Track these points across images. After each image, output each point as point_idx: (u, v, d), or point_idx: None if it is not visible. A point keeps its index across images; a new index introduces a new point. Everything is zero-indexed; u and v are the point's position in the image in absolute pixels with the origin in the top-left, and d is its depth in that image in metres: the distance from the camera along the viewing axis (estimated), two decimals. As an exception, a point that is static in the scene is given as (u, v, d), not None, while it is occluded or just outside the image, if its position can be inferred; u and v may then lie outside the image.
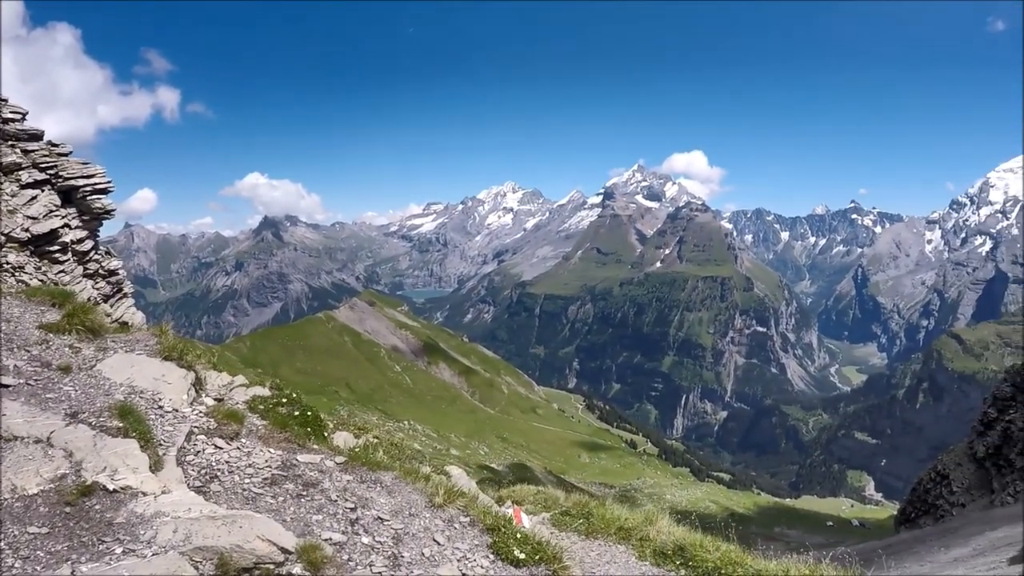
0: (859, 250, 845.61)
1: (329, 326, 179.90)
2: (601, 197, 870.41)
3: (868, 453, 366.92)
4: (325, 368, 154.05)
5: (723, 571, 8.52)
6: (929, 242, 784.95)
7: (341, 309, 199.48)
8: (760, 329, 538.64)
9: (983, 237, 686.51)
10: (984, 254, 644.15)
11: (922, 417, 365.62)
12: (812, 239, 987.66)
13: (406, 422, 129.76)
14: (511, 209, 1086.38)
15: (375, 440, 13.30)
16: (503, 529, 8.09)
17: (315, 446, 9.55)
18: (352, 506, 7.87)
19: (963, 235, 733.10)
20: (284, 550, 6.24)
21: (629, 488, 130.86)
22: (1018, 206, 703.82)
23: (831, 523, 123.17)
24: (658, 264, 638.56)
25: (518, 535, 8.03)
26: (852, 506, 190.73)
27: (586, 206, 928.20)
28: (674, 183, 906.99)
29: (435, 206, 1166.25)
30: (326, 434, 10.95)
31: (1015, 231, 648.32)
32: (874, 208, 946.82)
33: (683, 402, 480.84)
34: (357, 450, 10.19)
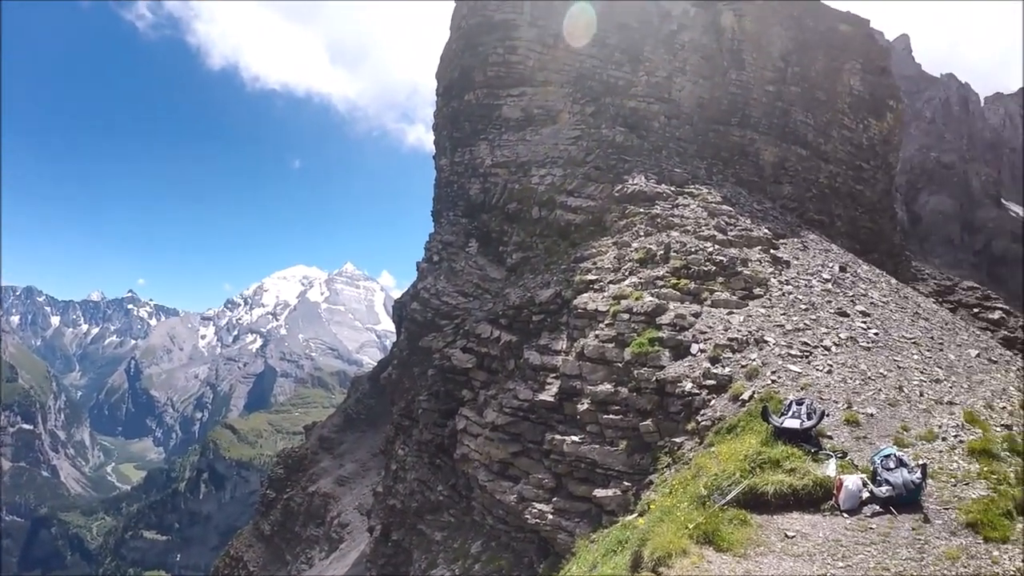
0: (133, 341, 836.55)
1: None
2: None
3: (161, 550, 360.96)
4: None
5: None
6: (203, 337, 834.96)
7: None
8: (27, 427, 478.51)
9: (254, 335, 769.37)
10: (255, 350, 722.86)
11: (207, 506, 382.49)
12: (85, 326, 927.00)
13: None
14: None
15: None
16: None
17: None
18: None
19: (236, 332, 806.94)
20: None
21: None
22: (287, 309, 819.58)
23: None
24: None
25: None
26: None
27: None
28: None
29: None
30: None
31: (283, 331, 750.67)
32: (151, 300, 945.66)
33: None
34: None
